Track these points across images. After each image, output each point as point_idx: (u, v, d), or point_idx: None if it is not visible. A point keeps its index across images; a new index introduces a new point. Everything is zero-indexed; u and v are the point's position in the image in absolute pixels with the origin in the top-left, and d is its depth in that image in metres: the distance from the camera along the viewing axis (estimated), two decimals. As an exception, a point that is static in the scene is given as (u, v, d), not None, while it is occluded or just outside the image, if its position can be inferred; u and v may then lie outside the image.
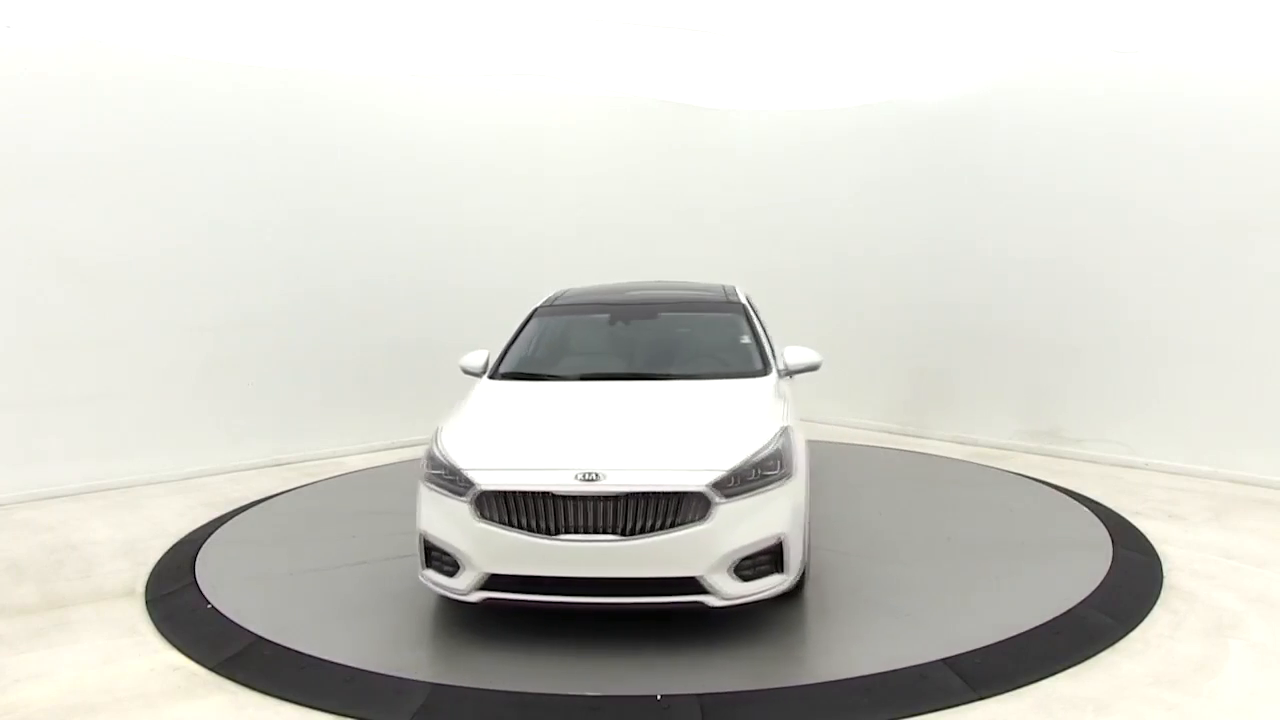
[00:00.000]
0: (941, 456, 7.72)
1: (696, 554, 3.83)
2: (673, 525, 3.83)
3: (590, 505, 3.85)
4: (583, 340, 5.80)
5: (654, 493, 3.82)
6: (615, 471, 3.89)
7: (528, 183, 8.94)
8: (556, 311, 5.86)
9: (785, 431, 4.27)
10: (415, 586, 4.84)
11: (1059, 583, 4.68)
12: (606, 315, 5.93)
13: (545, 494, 3.88)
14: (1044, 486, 6.63)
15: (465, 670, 3.86)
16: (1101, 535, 5.45)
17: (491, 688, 3.68)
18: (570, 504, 3.86)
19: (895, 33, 7.87)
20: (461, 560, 4.03)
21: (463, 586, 4.06)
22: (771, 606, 4.47)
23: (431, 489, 4.20)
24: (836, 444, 8.04)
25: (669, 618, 4.22)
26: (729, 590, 3.89)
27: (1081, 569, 4.86)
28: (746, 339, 5.37)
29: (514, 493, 3.93)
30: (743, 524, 3.89)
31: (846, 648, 4.09)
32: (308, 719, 3.55)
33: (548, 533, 3.88)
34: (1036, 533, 5.60)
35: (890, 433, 8.68)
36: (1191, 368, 6.95)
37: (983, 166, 8.11)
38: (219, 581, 4.95)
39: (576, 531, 3.86)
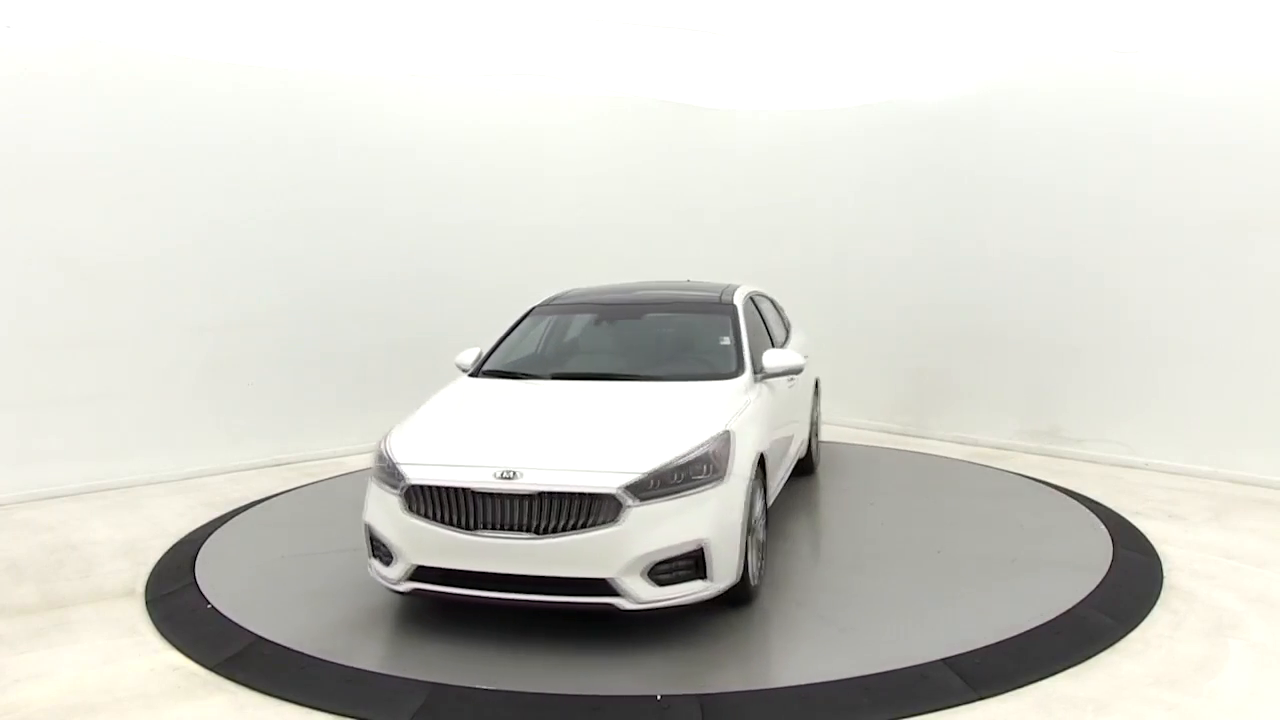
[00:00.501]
0: (941, 456, 7.72)
1: (607, 556, 3.84)
2: (585, 526, 3.85)
3: (506, 503, 3.92)
4: (565, 340, 5.86)
5: (567, 493, 3.87)
6: (532, 471, 3.94)
7: (528, 183, 8.94)
8: (549, 311, 5.95)
9: (726, 436, 4.22)
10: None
11: (1059, 583, 4.68)
12: (594, 315, 5.97)
13: (465, 490, 3.98)
14: (1044, 486, 6.64)
15: (465, 670, 3.85)
16: (1101, 535, 5.45)
17: (491, 688, 3.68)
18: (488, 501, 3.94)
19: (895, 33, 7.87)
20: (394, 551, 4.17)
21: (394, 576, 4.20)
22: (771, 607, 4.48)
23: (374, 482, 4.38)
24: (837, 444, 8.05)
25: (668, 618, 4.22)
26: (642, 594, 3.89)
27: (1081, 569, 4.86)
28: (726, 341, 5.30)
29: (437, 488, 4.04)
30: (659, 528, 3.88)
31: (846, 647, 4.08)
32: (308, 719, 3.55)
33: (466, 528, 3.96)
34: (1037, 532, 5.60)
35: (890, 433, 8.68)
36: (1191, 368, 6.95)
37: (983, 166, 8.11)
38: (219, 581, 4.95)
39: (493, 528, 3.94)
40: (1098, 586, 4.61)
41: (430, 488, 4.06)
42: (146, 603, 4.74)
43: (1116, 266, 7.30)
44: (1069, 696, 3.57)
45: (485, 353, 5.56)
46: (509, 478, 3.93)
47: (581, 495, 3.86)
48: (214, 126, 7.40)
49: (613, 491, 3.85)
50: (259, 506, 6.47)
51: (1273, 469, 6.53)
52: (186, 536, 5.79)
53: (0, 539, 5.85)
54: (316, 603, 4.70)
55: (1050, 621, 4.19)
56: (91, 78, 6.88)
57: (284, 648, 4.10)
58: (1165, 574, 4.86)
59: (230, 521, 6.09)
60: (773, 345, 5.85)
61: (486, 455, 4.11)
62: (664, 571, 3.91)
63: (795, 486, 6.54)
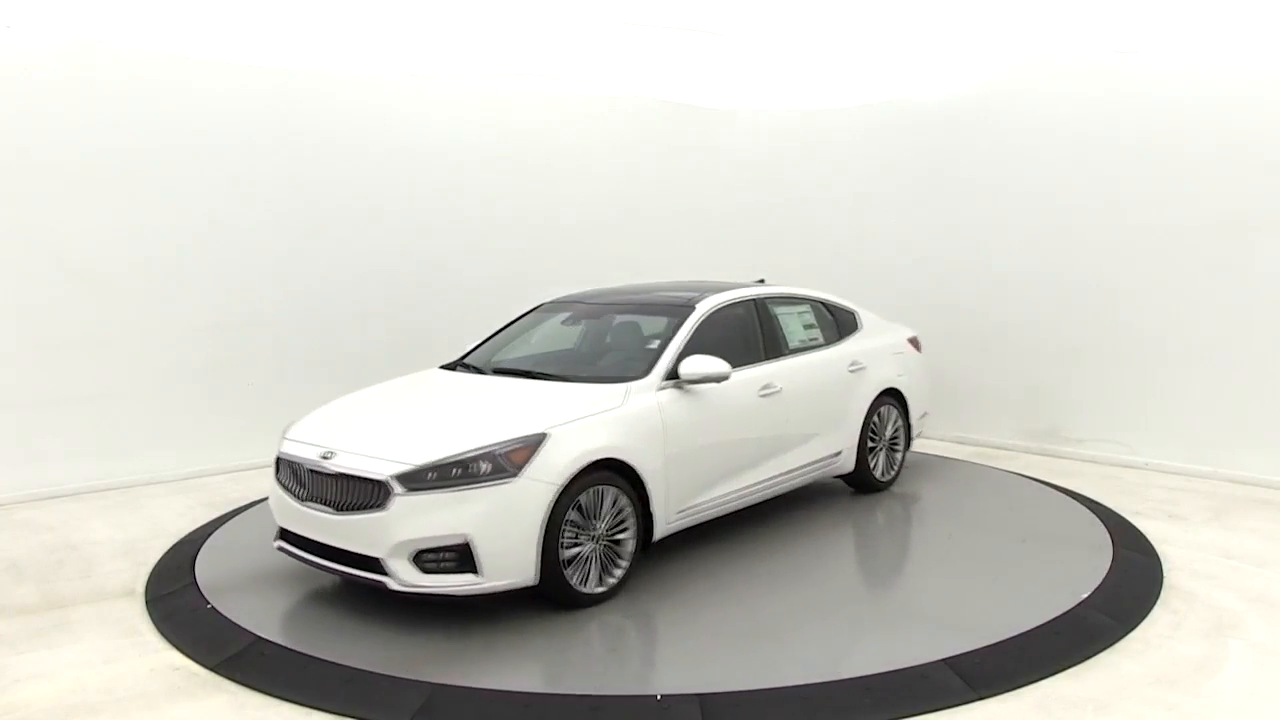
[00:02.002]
0: (941, 456, 7.72)
1: (376, 537, 4.17)
2: (364, 508, 4.24)
3: (323, 480, 4.41)
4: (532, 338, 5.97)
5: (354, 476, 4.27)
6: (343, 454, 4.39)
7: (528, 183, 8.94)
8: (542, 310, 6.14)
9: (540, 438, 4.28)
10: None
11: (1059, 583, 4.68)
12: (570, 315, 6.06)
13: (298, 464, 4.54)
14: (1044, 486, 6.64)
15: (465, 670, 3.85)
16: (1101, 535, 5.45)
17: (491, 687, 3.68)
18: (314, 477, 4.46)
19: (895, 33, 7.88)
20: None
21: (275, 534, 4.80)
22: (770, 606, 4.48)
23: None
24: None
25: (672, 619, 4.22)
26: (406, 577, 4.17)
27: (1081, 569, 4.86)
28: (654, 344, 5.22)
29: (286, 460, 4.66)
30: (423, 517, 4.11)
31: (847, 647, 4.09)
32: (307, 719, 3.56)
33: (299, 499, 4.53)
34: (1036, 533, 5.60)
35: (890, 433, 8.67)
36: (1191, 368, 6.95)
37: (983, 166, 8.11)
38: (219, 581, 4.95)
39: (313, 501, 4.45)
40: (1098, 587, 4.61)
41: (282, 459, 4.69)
42: (146, 603, 4.74)
43: (1117, 266, 7.30)
44: (1069, 696, 3.57)
45: (474, 345, 5.89)
46: (327, 458, 4.40)
47: (362, 480, 4.24)
48: (214, 126, 7.40)
49: (384, 479, 4.17)
50: (259, 506, 6.45)
51: (1273, 469, 6.53)
52: (186, 536, 5.79)
53: (0, 539, 5.85)
54: (316, 603, 4.70)
55: (1050, 621, 4.19)
56: (91, 78, 6.88)
57: (284, 648, 4.10)
58: (1165, 574, 4.86)
59: (230, 521, 6.09)
60: (781, 350, 5.72)
61: (329, 437, 4.61)
62: (429, 559, 4.16)
63: (831, 498, 6.30)
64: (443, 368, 5.72)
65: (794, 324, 6.07)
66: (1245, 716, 3.43)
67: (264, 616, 4.46)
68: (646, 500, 4.68)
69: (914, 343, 7.01)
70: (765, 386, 5.44)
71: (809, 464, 5.87)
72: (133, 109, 7.05)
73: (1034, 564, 5.02)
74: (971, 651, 3.90)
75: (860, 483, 6.40)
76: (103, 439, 7.01)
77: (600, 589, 4.50)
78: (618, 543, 4.57)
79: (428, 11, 7.23)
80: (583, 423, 4.49)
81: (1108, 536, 5.40)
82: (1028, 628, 4.12)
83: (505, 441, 4.24)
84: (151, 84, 7.12)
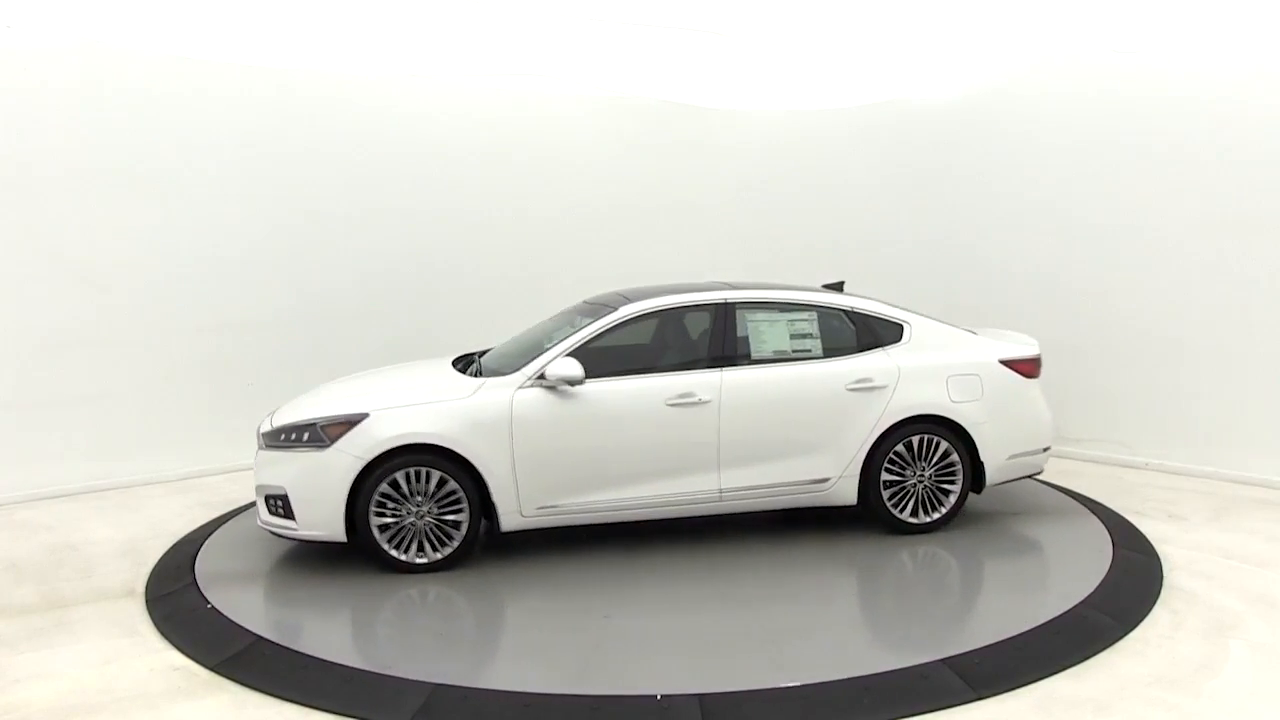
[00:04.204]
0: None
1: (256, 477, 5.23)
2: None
3: (261, 438, 5.26)
4: (521, 334, 6.07)
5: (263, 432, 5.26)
6: (276, 414, 5.35)
7: (529, 182, 8.93)
8: (573, 308, 6.10)
9: (361, 417, 4.95)
10: (417, 586, 4.85)
11: (1059, 583, 4.68)
12: (565, 312, 6.07)
13: (263, 424, 5.36)
14: (1044, 486, 6.63)
15: (465, 670, 3.86)
16: (1101, 535, 5.45)
17: (491, 688, 3.69)
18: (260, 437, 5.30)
19: (896, 33, 7.89)
20: None
21: None
22: (769, 605, 4.48)
23: None
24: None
25: (671, 619, 4.21)
26: (261, 514, 5.19)
27: (1081, 569, 4.86)
28: (548, 344, 5.33)
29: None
30: (265, 469, 5.13)
31: (847, 647, 4.09)
32: (308, 719, 3.56)
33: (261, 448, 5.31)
34: (1036, 533, 5.60)
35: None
36: (1191, 368, 6.94)
37: (983, 166, 8.10)
38: (219, 581, 4.95)
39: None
40: (1098, 586, 4.61)
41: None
42: (146, 603, 4.74)
43: (1116, 266, 7.30)
44: (1069, 696, 3.57)
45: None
46: (269, 417, 5.37)
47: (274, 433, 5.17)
48: (213, 126, 7.39)
49: (259, 434, 5.26)
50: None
51: (1273, 469, 6.53)
52: (186, 536, 5.79)
53: (0, 539, 5.85)
54: (316, 603, 4.70)
55: (1050, 621, 4.20)
56: (92, 77, 6.88)
57: (284, 648, 4.10)
58: (1165, 574, 4.87)
59: (230, 521, 6.09)
60: (734, 359, 5.34)
61: (287, 407, 5.40)
62: (270, 503, 5.09)
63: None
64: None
65: (773, 332, 5.52)
66: (1245, 716, 3.43)
67: (264, 616, 4.47)
68: (486, 488, 5.01)
69: (1017, 365, 5.76)
70: (682, 395, 5.16)
71: (771, 486, 5.34)
72: (132, 109, 7.05)
73: (1034, 564, 5.02)
74: (971, 651, 3.90)
75: (880, 520, 5.53)
76: (102, 439, 7.02)
77: (421, 559, 4.96)
78: (454, 523, 5.01)
79: (429, 12, 7.24)
80: (412, 409, 5.00)
81: (1108, 536, 5.41)
82: (1028, 628, 4.12)
83: (329, 417, 5.01)
84: (151, 84, 7.11)
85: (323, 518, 4.92)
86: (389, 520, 4.92)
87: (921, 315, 5.83)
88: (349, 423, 4.93)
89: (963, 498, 5.59)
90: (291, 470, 4.98)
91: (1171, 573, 4.88)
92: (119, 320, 7.08)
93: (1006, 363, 5.73)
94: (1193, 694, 3.57)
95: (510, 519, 5.06)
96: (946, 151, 8.34)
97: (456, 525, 5.00)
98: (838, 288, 6.07)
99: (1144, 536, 5.47)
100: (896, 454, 5.46)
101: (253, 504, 6.45)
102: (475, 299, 8.46)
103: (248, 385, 7.62)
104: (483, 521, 5.11)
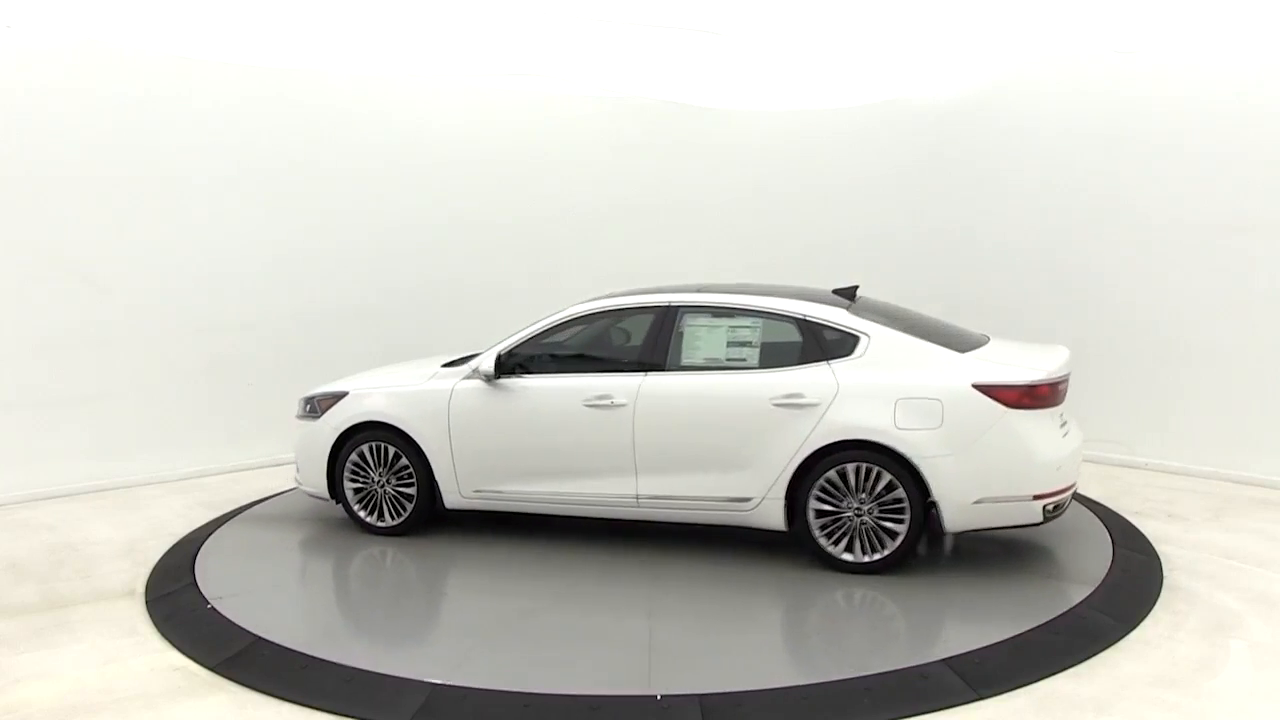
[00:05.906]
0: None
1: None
2: None
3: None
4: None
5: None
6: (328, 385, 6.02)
7: (529, 182, 8.93)
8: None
9: (342, 394, 5.74)
10: (417, 586, 4.85)
11: (1059, 583, 4.68)
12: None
13: None
14: (1044, 486, 6.62)
15: (465, 670, 3.86)
16: (1101, 535, 5.45)
17: (491, 688, 3.69)
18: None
19: (895, 33, 7.89)
20: None
21: None
22: (768, 605, 4.48)
23: None
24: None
25: (670, 618, 4.20)
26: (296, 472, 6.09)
27: (1081, 569, 4.86)
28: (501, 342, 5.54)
29: None
30: (295, 432, 6.13)
31: (846, 647, 4.09)
32: (308, 719, 3.56)
33: None
34: (1036, 533, 5.60)
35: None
36: (1192, 368, 6.94)
37: (983, 166, 8.10)
38: (219, 581, 4.94)
39: None
40: (1098, 586, 4.61)
41: None
42: (147, 603, 4.74)
43: (1116, 266, 7.30)
44: (1069, 696, 3.57)
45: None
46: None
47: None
48: (213, 127, 7.39)
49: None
50: (259, 506, 6.48)
51: (1273, 469, 6.53)
52: (186, 536, 5.79)
53: (0, 539, 5.85)
54: (316, 603, 4.70)
55: (1050, 621, 4.19)
56: (92, 77, 6.87)
57: (284, 648, 4.10)
58: (1165, 574, 4.86)
59: (230, 521, 6.09)
60: (663, 364, 5.11)
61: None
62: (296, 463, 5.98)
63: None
64: None
65: (711, 339, 5.14)
66: (1245, 716, 3.43)
67: (264, 616, 4.46)
68: (426, 461, 5.48)
69: (997, 392, 4.62)
70: (600, 397, 5.07)
71: (689, 498, 5.01)
72: (131, 109, 7.05)
73: (1034, 564, 5.02)
74: (971, 651, 3.90)
75: (811, 552, 4.90)
76: (103, 439, 7.02)
77: (383, 524, 5.62)
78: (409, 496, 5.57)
79: (428, 12, 7.24)
80: (378, 391, 5.67)
81: (1108, 536, 5.40)
82: (1027, 628, 4.12)
83: (322, 394, 5.85)
84: (151, 84, 7.11)
85: (313, 478, 5.79)
86: (359, 485, 5.66)
87: (890, 328, 4.98)
88: (335, 398, 5.74)
89: (911, 540, 4.73)
90: (299, 435, 5.94)
91: (1171, 573, 4.88)
92: (120, 320, 7.08)
93: (983, 388, 4.63)
94: (1193, 694, 3.57)
95: (451, 497, 5.50)
96: (945, 151, 8.34)
97: (410, 497, 5.56)
98: (849, 293, 5.55)
99: (1144, 536, 5.47)
100: (830, 481, 4.77)
101: (253, 504, 6.55)
102: (475, 299, 8.45)
103: (248, 385, 7.63)
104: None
